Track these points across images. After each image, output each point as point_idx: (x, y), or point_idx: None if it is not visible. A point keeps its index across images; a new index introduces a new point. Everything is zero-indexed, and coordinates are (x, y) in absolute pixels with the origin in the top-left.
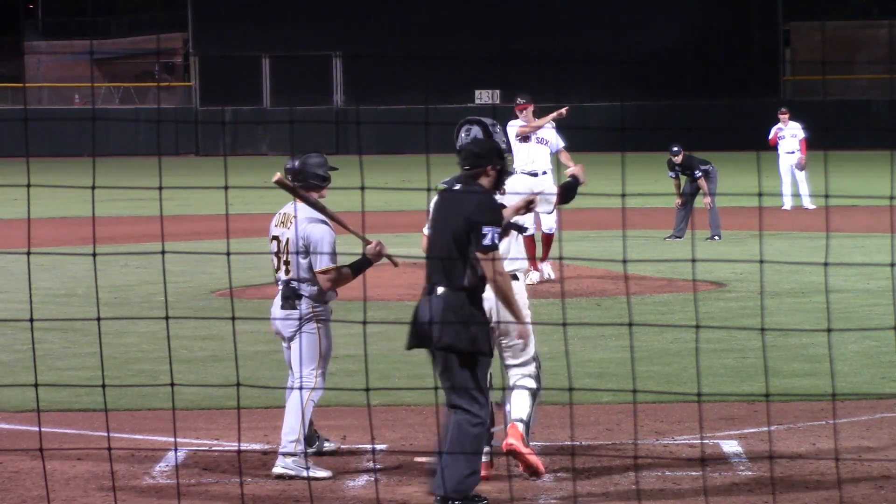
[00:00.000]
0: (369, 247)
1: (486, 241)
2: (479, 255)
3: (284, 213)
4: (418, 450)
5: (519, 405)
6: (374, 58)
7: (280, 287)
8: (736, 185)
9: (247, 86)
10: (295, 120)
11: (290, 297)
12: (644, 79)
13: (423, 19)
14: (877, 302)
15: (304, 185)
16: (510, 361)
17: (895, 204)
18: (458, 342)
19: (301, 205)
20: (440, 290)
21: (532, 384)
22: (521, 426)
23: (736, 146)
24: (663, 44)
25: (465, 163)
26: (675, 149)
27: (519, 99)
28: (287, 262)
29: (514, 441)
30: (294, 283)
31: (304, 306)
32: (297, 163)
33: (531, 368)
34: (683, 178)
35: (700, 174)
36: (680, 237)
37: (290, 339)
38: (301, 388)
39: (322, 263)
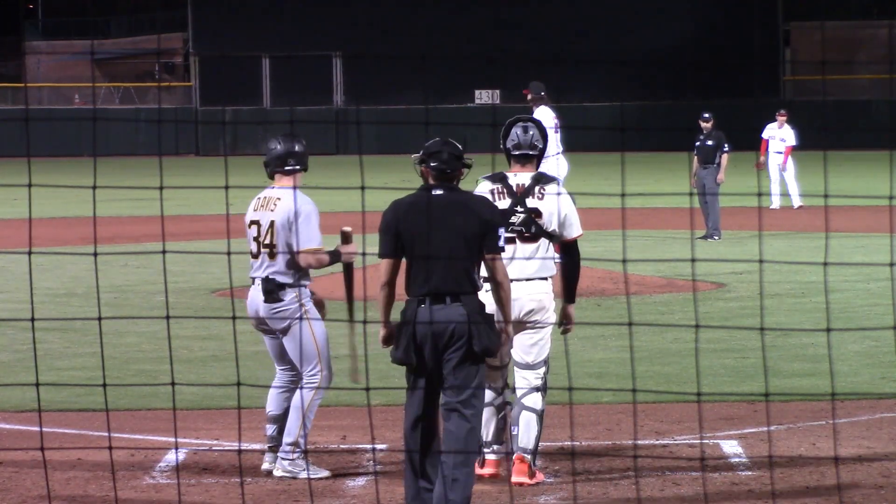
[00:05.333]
0: (345, 248)
1: (501, 242)
2: (491, 256)
3: (265, 197)
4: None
5: (526, 432)
6: (374, 58)
7: (258, 281)
8: (736, 185)
9: (247, 86)
10: (295, 120)
11: (274, 291)
12: (644, 79)
13: (423, 19)
14: (877, 302)
15: (303, 168)
16: (522, 360)
17: (895, 204)
18: (492, 344)
19: (286, 189)
20: (450, 297)
21: (539, 404)
22: (528, 457)
23: (736, 146)
24: (663, 44)
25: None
26: (707, 115)
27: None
28: (270, 246)
29: (521, 479)
30: (274, 276)
31: (289, 295)
32: (297, 146)
33: (541, 372)
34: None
35: (728, 148)
36: (717, 237)
37: (283, 331)
38: (302, 388)
39: (306, 241)
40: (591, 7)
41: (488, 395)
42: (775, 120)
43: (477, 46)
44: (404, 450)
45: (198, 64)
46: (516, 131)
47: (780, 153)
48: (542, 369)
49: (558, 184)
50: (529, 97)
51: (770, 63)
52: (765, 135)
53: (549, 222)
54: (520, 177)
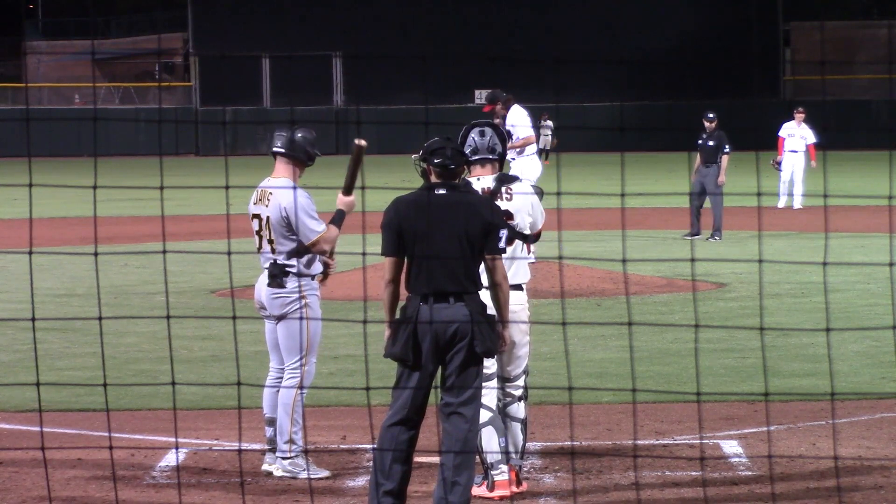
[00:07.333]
0: (343, 200)
1: (502, 244)
2: (491, 256)
3: (261, 190)
4: (418, 449)
5: (515, 441)
6: (374, 58)
7: (266, 266)
8: (736, 185)
9: (247, 86)
10: (295, 120)
11: (278, 276)
12: (644, 79)
13: (423, 19)
14: (877, 302)
15: (295, 159)
16: (504, 374)
17: (895, 204)
18: (494, 346)
19: (279, 180)
20: (453, 297)
21: (522, 413)
22: (516, 465)
23: (735, 146)
24: (663, 44)
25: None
26: (711, 115)
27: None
28: (272, 241)
29: (516, 489)
30: (281, 261)
31: (292, 283)
32: (298, 133)
33: (521, 382)
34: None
35: (728, 149)
36: (698, 235)
37: (280, 318)
38: (292, 387)
39: (310, 233)
40: (590, 7)
41: (484, 413)
42: (792, 118)
43: (477, 46)
44: (375, 448)
45: (198, 64)
46: (473, 136)
47: (796, 152)
48: (522, 379)
49: (520, 181)
50: (498, 106)
51: (770, 63)
52: (782, 133)
53: (523, 222)
54: (483, 180)
